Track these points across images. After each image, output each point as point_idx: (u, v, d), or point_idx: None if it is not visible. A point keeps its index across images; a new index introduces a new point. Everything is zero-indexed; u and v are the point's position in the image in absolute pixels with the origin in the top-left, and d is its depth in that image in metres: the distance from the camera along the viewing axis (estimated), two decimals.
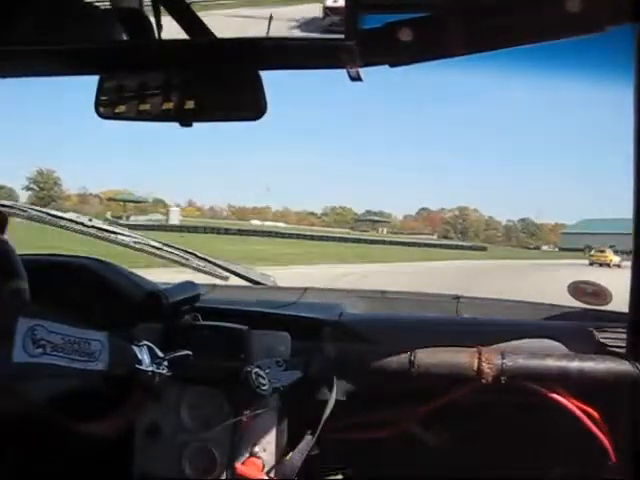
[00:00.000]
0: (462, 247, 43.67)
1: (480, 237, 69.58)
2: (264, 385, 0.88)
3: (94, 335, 0.79)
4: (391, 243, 41.61)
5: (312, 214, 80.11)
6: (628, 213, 0.93)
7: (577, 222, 65.64)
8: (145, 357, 0.88)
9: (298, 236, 38.28)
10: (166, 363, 0.89)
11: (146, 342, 0.90)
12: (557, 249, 56.77)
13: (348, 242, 36.62)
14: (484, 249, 44.96)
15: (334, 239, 37.51)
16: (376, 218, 74.53)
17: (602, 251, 28.61)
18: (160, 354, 0.90)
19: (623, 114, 0.89)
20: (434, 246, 41.96)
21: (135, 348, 0.88)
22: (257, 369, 0.89)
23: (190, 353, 0.92)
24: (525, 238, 73.44)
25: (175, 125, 0.90)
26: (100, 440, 0.90)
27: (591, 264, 26.47)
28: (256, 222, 57.14)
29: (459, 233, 71.91)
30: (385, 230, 67.62)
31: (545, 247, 62.69)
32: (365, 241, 39.69)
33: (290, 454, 0.98)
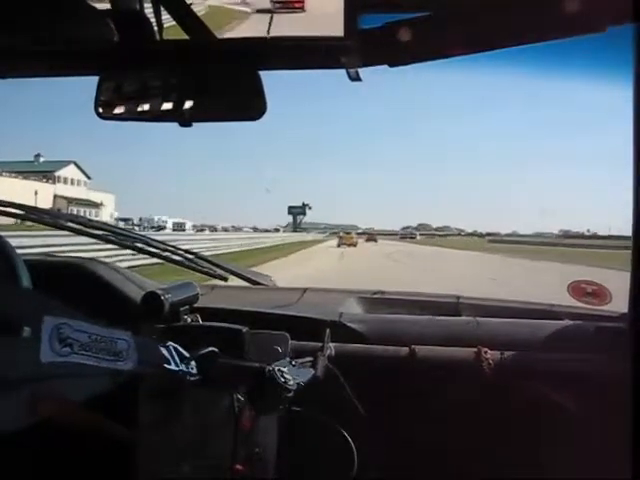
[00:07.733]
0: None
1: None
2: (290, 380, 0.89)
3: (119, 334, 0.77)
4: None
5: None
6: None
7: None
8: (174, 357, 0.85)
9: None
10: (194, 363, 0.87)
11: (171, 343, 0.87)
12: None
13: None
14: None
15: None
16: None
17: (349, 233, 35.88)
18: (186, 354, 0.87)
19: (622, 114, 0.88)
20: None
21: (162, 348, 0.86)
22: (279, 367, 0.90)
23: (216, 350, 0.91)
24: None
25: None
26: (124, 440, 0.89)
27: (339, 245, 31.53)
28: None
29: None
30: None
31: None
32: None
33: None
